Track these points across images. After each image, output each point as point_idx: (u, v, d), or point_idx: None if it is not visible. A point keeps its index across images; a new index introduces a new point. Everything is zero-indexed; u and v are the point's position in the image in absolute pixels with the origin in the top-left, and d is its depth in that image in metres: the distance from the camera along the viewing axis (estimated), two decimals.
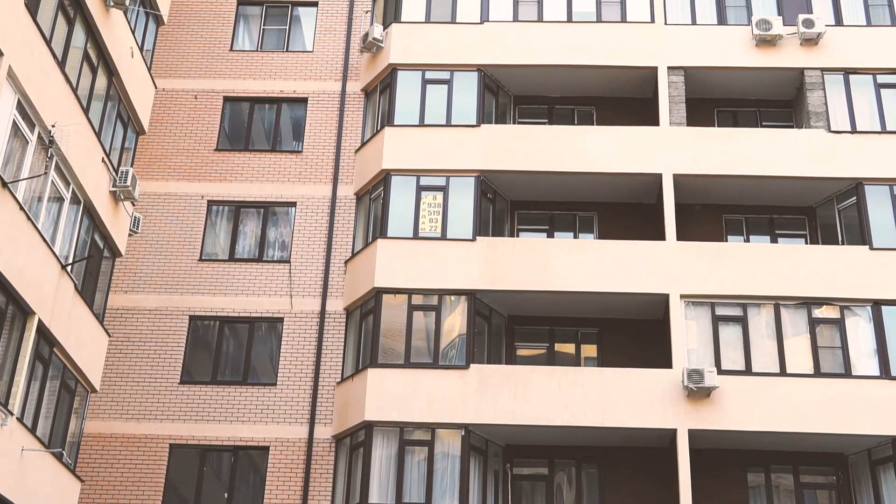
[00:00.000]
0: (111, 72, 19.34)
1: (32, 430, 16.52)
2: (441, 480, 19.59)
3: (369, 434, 19.82)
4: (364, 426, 19.94)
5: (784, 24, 23.23)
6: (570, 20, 23.74)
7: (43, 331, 16.76)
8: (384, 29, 23.90)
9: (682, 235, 21.88)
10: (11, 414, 15.65)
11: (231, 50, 24.58)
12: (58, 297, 17.15)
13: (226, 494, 20.40)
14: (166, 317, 21.73)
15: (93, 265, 19.09)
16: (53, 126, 16.64)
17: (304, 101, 24.01)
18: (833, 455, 20.37)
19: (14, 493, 15.74)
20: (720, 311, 20.78)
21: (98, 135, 18.75)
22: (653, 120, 23.23)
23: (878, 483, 19.58)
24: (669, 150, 22.20)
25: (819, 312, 20.75)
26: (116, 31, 19.23)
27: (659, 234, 21.93)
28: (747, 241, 22.55)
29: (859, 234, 21.48)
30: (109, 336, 19.92)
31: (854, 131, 22.25)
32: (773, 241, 22.52)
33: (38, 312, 16.43)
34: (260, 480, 20.43)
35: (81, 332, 18.22)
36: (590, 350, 21.85)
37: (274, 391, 21.06)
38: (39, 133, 16.50)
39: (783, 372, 20.15)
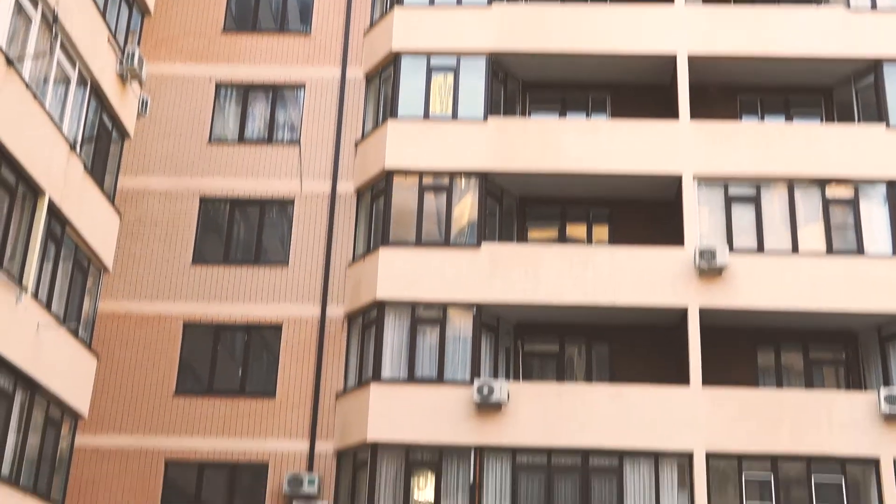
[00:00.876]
0: None
1: (47, 307, 16.66)
2: (452, 356, 19.76)
3: (381, 312, 19.96)
4: (376, 305, 20.07)
5: None
6: None
7: (54, 210, 16.77)
8: None
9: (696, 117, 21.53)
10: (26, 291, 15.77)
11: None
12: (68, 176, 17.10)
13: (240, 371, 20.69)
14: (177, 199, 21.70)
15: (101, 147, 18.99)
16: (57, 2, 16.35)
17: None
18: (842, 332, 20.43)
19: (31, 366, 15.97)
20: (733, 191, 20.62)
21: (103, 14, 18.45)
22: None
23: (888, 359, 19.68)
24: (684, 29, 21.75)
25: (833, 192, 20.57)
26: None
27: (672, 116, 21.59)
28: (762, 121, 22.26)
29: (876, 114, 21.14)
30: (120, 216, 19.93)
31: (874, 9, 21.75)
32: (789, 121, 22.22)
33: (49, 191, 16.40)
34: (273, 358, 20.65)
35: (92, 212, 18.23)
36: (601, 231, 21.77)
37: (286, 271, 21.12)
38: (43, 11, 16.22)
39: (795, 250, 20.11)
